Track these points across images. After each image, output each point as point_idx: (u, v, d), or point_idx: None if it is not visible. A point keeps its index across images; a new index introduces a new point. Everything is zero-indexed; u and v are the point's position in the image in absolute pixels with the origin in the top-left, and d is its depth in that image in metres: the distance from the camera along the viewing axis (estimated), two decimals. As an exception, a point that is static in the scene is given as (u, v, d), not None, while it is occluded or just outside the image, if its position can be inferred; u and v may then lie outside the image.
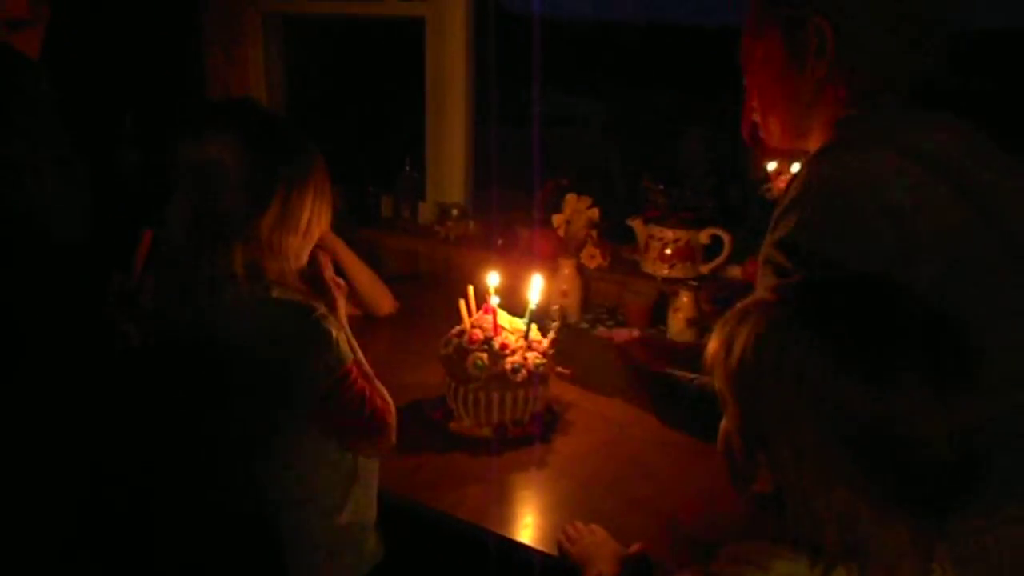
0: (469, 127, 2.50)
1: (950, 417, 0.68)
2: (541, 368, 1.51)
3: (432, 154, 2.52)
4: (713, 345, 0.80)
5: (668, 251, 2.05)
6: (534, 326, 1.55)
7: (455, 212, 2.41)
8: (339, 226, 1.71)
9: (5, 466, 1.48)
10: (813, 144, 1.05)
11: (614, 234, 2.20)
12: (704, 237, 2.07)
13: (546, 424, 1.57)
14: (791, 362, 0.71)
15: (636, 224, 2.10)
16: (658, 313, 2.03)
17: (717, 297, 1.92)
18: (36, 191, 1.41)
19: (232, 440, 1.22)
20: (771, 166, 1.79)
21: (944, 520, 0.73)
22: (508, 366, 1.48)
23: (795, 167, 1.33)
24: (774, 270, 0.93)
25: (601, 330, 2.00)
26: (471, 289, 1.58)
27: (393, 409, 1.26)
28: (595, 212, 2.07)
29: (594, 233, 2.07)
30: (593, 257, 2.08)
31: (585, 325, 2.04)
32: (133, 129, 2.75)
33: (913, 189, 0.88)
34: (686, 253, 2.06)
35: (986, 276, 0.89)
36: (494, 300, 1.54)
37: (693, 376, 1.22)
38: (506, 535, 1.28)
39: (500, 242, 2.33)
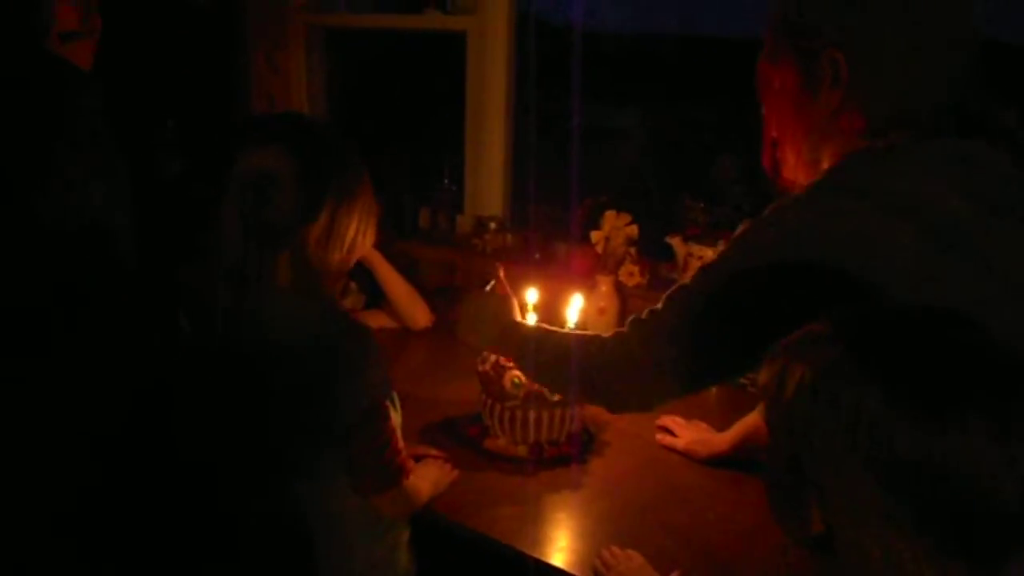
0: (509, 140, 2.49)
1: (1017, 467, 0.65)
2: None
3: (471, 166, 2.52)
4: (764, 379, 0.78)
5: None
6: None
7: (493, 225, 2.40)
8: (376, 237, 1.72)
9: (31, 468, 1.50)
10: None
11: (653, 251, 2.18)
12: (744, 256, 2.03)
13: (583, 445, 1.56)
14: (848, 403, 0.68)
15: (675, 242, 2.07)
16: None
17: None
18: (84, 203, 1.43)
19: (270, 455, 1.22)
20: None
21: (1002, 568, 0.71)
22: (545, 385, 1.47)
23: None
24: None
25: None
26: (515, 301, 1.57)
27: (410, 472, 1.24)
28: (634, 229, 2.05)
29: (633, 250, 2.05)
30: (632, 275, 2.06)
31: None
32: (175, 136, 2.79)
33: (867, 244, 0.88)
34: (726, 272, 2.02)
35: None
36: (531, 318, 1.53)
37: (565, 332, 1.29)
38: (541, 558, 1.26)
39: (538, 256, 2.32)
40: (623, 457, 1.55)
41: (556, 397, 1.48)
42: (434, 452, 1.49)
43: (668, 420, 1.63)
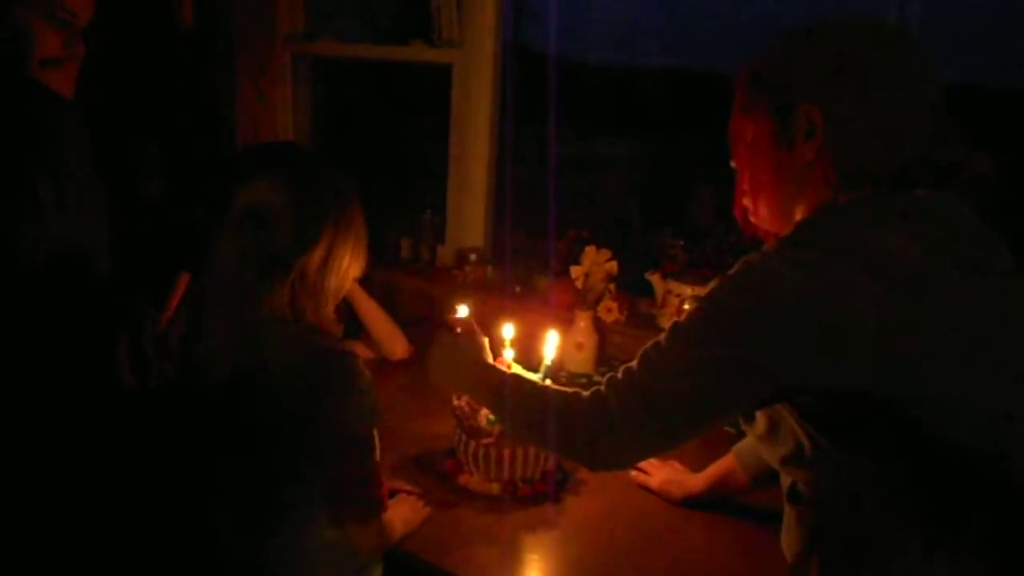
0: (492, 172, 2.50)
1: None
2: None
3: (453, 198, 2.53)
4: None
5: (686, 306, 2.02)
6: (548, 382, 1.53)
7: (473, 257, 2.40)
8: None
9: (16, 500, 1.47)
10: None
11: (633, 286, 2.19)
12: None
13: (557, 483, 1.55)
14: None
15: (654, 279, 2.08)
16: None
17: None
18: (62, 232, 1.42)
19: (254, 482, 1.21)
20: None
21: None
22: (520, 423, 1.46)
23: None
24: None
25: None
26: (486, 341, 1.57)
27: (387, 507, 1.24)
28: (614, 266, 2.06)
29: (612, 287, 2.06)
30: (610, 311, 2.07)
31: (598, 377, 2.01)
32: (157, 160, 2.79)
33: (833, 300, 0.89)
34: (704, 310, 2.03)
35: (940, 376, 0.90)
36: (508, 354, 1.53)
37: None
38: (512, 601, 1.25)
39: (518, 290, 2.32)
40: (598, 496, 1.54)
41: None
42: (407, 488, 1.47)
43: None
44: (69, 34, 1.43)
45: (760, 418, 1.09)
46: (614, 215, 3.01)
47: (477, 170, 2.47)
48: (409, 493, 1.46)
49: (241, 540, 1.24)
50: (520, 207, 2.47)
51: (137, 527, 1.52)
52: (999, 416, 0.90)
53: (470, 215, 2.52)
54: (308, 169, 1.19)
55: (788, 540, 1.12)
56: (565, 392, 1.19)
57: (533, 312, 2.17)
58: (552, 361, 1.53)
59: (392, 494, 1.41)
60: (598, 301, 2.05)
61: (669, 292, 2.06)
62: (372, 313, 2.01)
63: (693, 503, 1.51)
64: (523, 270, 2.35)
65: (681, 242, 2.09)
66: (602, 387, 1.09)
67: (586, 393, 1.12)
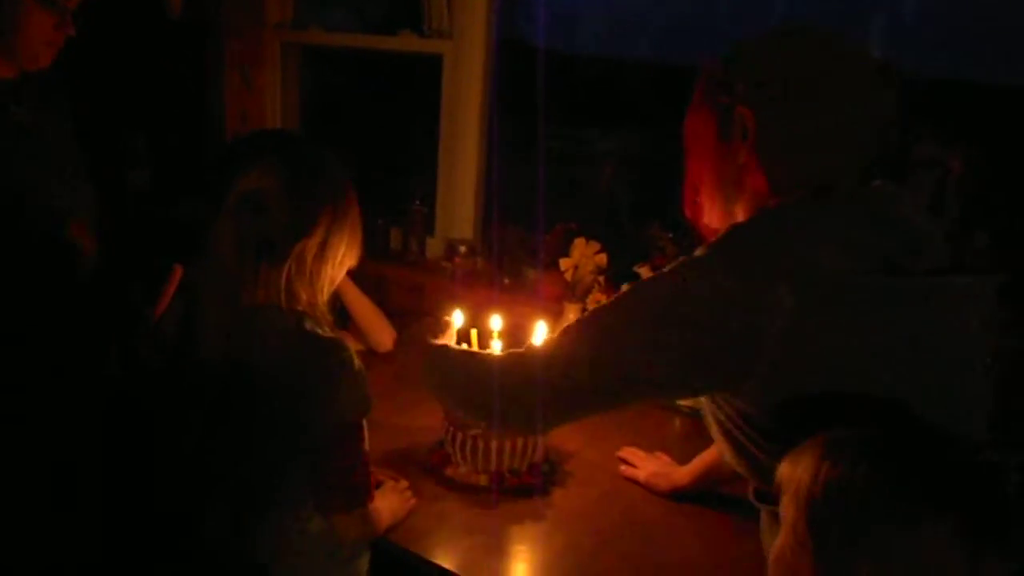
0: (481, 164, 2.49)
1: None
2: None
3: (443, 189, 2.52)
4: (792, 469, 0.84)
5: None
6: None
7: (463, 249, 2.39)
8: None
9: (12, 493, 1.47)
10: None
11: (623, 279, 2.18)
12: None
13: (544, 475, 1.54)
14: (854, 504, 0.78)
15: (643, 271, 2.07)
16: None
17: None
18: (41, 215, 1.41)
19: (240, 473, 1.21)
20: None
21: None
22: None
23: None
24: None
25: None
26: (474, 332, 1.56)
27: (373, 496, 1.24)
28: (603, 258, 2.05)
29: (601, 279, 2.05)
30: (599, 303, 2.06)
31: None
32: (145, 149, 2.76)
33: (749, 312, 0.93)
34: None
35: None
36: (496, 345, 1.52)
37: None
38: (497, 592, 1.25)
39: (507, 282, 2.32)
40: (585, 488, 1.54)
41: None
42: (394, 478, 1.47)
43: (629, 452, 1.63)
44: (61, 17, 1.42)
45: (712, 424, 1.11)
46: (605, 208, 3.01)
47: (467, 162, 2.46)
48: (396, 482, 1.45)
49: (229, 528, 1.24)
50: (511, 199, 2.47)
51: (129, 518, 1.52)
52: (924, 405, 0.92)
53: (460, 207, 2.50)
54: (305, 155, 1.18)
55: (766, 540, 1.12)
56: (479, 353, 1.26)
57: (522, 304, 2.16)
58: (540, 353, 1.52)
59: (378, 485, 1.41)
60: (587, 293, 2.05)
61: (658, 284, 2.05)
62: (360, 304, 2.00)
63: (680, 495, 1.51)
64: (513, 262, 2.34)
65: (670, 235, 2.09)
66: (522, 350, 1.14)
67: (497, 355, 1.18)
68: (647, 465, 1.58)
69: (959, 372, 0.98)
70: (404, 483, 1.46)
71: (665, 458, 1.62)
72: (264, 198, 1.12)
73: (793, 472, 0.85)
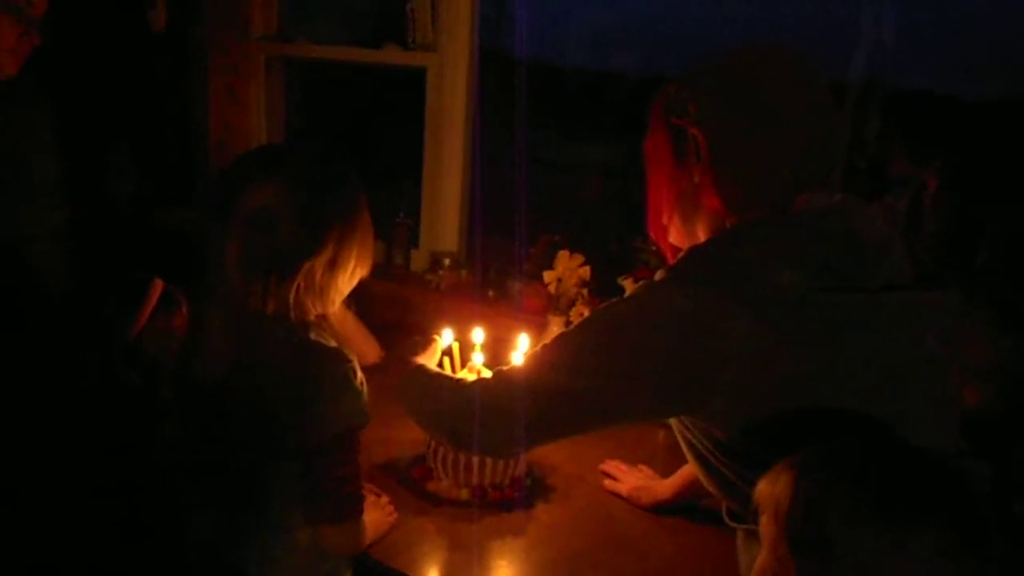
0: (466, 177, 2.50)
1: None
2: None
3: (428, 202, 2.52)
4: (770, 489, 0.85)
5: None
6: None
7: (447, 261, 2.39)
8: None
9: None
10: None
11: (607, 291, 2.18)
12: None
13: (527, 489, 1.54)
14: (835, 520, 0.78)
15: (627, 283, 2.07)
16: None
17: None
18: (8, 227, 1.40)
19: (234, 483, 1.21)
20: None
21: None
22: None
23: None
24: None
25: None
26: (456, 346, 1.56)
27: (363, 511, 1.23)
28: (586, 271, 2.06)
29: (585, 292, 2.06)
30: (583, 316, 2.06)
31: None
32: (129, 160, 2.75)
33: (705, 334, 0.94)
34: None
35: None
36: (478, 358, 1.52)
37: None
38: (478, 608, 1.24)
39: (491, 294, 2.32)
40: (567, 502, 1.54)
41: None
42: (375, 492, 1.46)
43: (611, 465, 1.63)
44: (26, 25, 1.42)
45: (685, 445, 1.12)
46: (591, 220, 3.01)
47: (451, 174, 2.47)
48: (377, 497, 1.44)
49: (218, 538, 1.24)
50: (496, 212, 2.47)
51: (111, 527, 1.50)
52: (890, 420, 0.94)
53: (444, 219, 2.51)
54: (311, 169, 1.17)
55: (742, 559, 1.13)
56: (453, 377, 1.28)
57: (506, 317, 2.16)
58: (522, 366, 1.52)
59: None
60: (571, 306, 2.05)
61: (642, 297, 2.06)
62: (342, 317, 1.99)
63: (663, 509, 1.51)
64: (497, 275, 2.34)
65: (653, 247, 2.09)
66: (489, 378, 1.16)
67: (471, 380, 1.19)
68: (629, 479, 1.58)
69: (918, 386, 0.99)
70: (385, 498, 1.45)
71: (648, 471, 1.62)
72: (273, 216, 1.11)
73: (771, 491, 0.85)
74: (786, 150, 1.01)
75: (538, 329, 2.03)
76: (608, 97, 3.52)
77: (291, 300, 1.14)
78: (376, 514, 1.39)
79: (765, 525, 0.86)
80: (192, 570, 1.28)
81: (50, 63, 1.63)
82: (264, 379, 1.15)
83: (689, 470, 1.47)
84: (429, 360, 1.40)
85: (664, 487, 1.51)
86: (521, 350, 1.53)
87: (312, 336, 1.16)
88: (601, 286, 2.15)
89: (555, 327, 2.03)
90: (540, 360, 1.09)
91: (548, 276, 2.07)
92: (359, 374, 1.18)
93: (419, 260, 2.53)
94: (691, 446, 1.10)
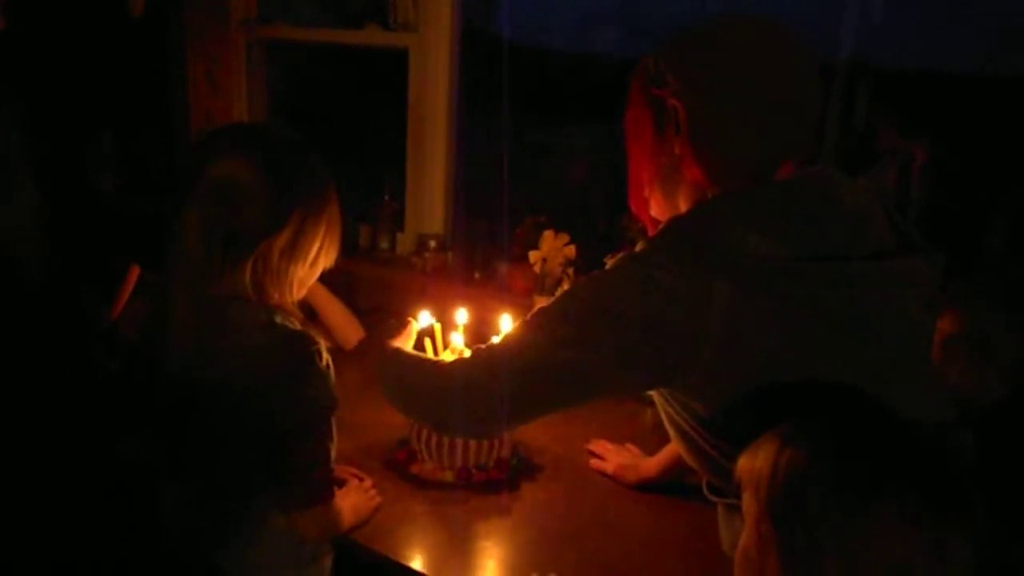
0: (450, 158, 2.47)
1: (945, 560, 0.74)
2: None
3: (412, 184, 2.49)
4: (751, 464, 0.84)
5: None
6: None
7: (433, 244, 2.37)
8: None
9: None
10: None
11: (592, 270, 2.17)
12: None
13: (512, 469, 1.53)
14: (816, 493, 0.77)
15: (612, 262, 2.06)
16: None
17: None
18: None
19: (201, 469, 1.19)
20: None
21: None
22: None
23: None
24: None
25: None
26: (438, 327, 1.54)
27: (333, 494, 1.22)
28: (572, 250, 2.04)
29: (570, 271, 2.04)
30: (568, 294, 2.05)
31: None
32: (110, 150, 2.72)
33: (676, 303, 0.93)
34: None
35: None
36: (458, 338, 1.50)
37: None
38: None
39: (477, 276, 2.30)
40: (553, 482, 1.53)
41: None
42: (358, 476, 1.45)
43: (598, 444, 1.62)
44: None
45: (667, 421, 1.11)
46: (578, 200, 2.99)
47: (435, 156, 2.44)
48: (359, 482, 1.43)
49: (189, 525, 1.23)
50: (481, 193, 2.44)
51: (88, 518, 1.49)
52: (873, 390, 0.92)
53: (429, 201, 2.48)
54: (282, 150, 1.15)
55: (723, 534, 1.12)
56: (431, 359, 1.26)
57: (492, 298, 2.14)
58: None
59: (342, 483, 1.38)
60: (556, 286, 2.03)
61: (628, 276, 2.04)
62: (325, 300, 1.97)
63: (649, 487, 1.49)
64: (483, 256, 2.32)
65: (639, 225, 2.07)
66: (468, 356, 1.14)
67: (449, 360, 1.18)
68: (615, 457, 1.57)
69: (903, 355, 0.98)
70: (368, 482, 1.43)
71: (634, 450, 1.60)
72: (233, 189, 1.09)
73: (752, 465, 0.84)
74: (766, 118, 0.99)
75: (524, 310, 2.00)
76: (593, 78, 3.50)
77: (247, 280, 1.11)
78: (358, 497, 1.37)
79: (747, 501, 0.85)
80: (171, 558, 1.27)
81: (22, 50, 1.60)
82: (227, 363, 1.12)
83: (674, 448, 1.46)
84: (406, 343, 1.37)
85: (649, 465, 1.50)
86: (504, 329, 1.51)
87: (277, 320, 1.14)
88: (588, 266, 2.13)
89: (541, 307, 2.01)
90: (520, 335, 1.07)
91: (533, 256, 2.05)
92: (325, 356, 1.16)
93: (405, 243, 2.50)
94: (673, 421, 1.08)
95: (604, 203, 2.86)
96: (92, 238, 1.81)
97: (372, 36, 2.41)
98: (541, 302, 2.00)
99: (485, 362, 1.10)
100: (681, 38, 1.04)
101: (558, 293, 2.01)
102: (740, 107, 0.99)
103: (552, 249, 2.04)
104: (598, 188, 2.94)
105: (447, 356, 1.51)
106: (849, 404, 0.91)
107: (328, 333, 1.98)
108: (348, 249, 2.48)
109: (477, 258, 2.32)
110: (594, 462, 1.58)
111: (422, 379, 1.20)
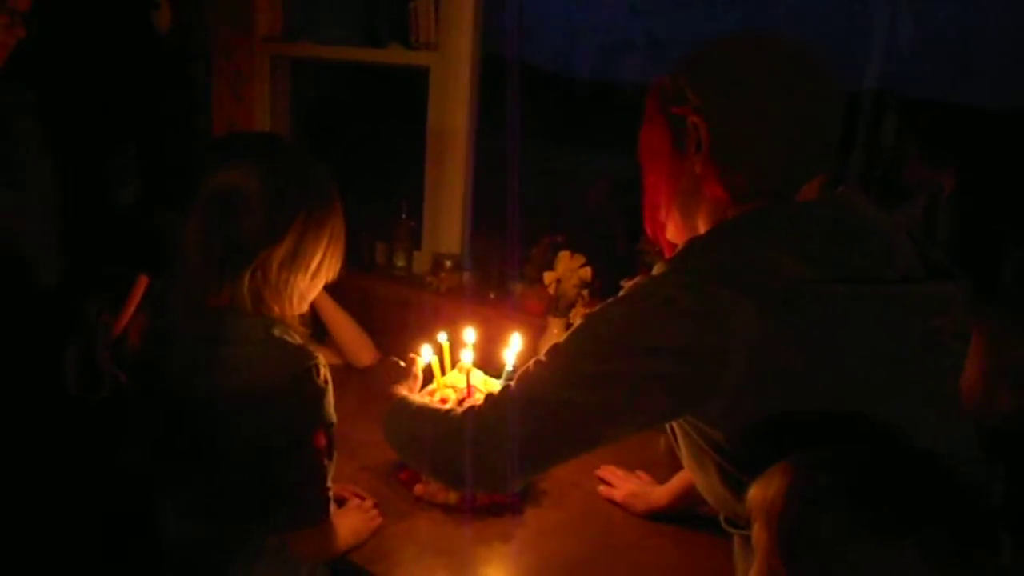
0: (469, 177, 2.46)
1: None
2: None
3: (430, 203, 2.48)
4: (763, 494, 0.80)
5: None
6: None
7: (448, 263, 2.35)
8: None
9: None
10: None
11: (611, 293, 2.13)
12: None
13: (518, 494, 1.48)
14: (831, 530, 0.74)
15: (629, 285, 2.03)
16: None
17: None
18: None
19: (196, 482, 1.17)
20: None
21: None
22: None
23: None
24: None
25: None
26: (446, 346, 1.52)
27: (328, 514, 1.18)
28: (587, 271, 2.01)
29: (585, 293, 2.00)
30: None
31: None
32: (133, 163, 2.74)
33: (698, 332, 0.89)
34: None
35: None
36: (466, 357, 1.47)
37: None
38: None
39: (493, 296, 2.27)
40: (559, 508, 1.48)
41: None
42: (359, 495, 1.41)
43: (607, 471, 1.57)
44: (10, 18, 1.40)
45: (684, 451, 1.06)
46: (598, 224, 2.97)
47: (454, 175, 2.43)
48: (361, 501, 1.40)
49: (190, 545, 1.20)
50: (499, 214, 2.42)
51: (85, 528, 1.47)
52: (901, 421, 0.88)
53: (447, 221, 2.46)
54: (283, 161, 1.14)
55: (739, 566, 1.07)
56: (440, 409, 1.17)
57: (506, 319, 2.11)
58: (514, 367, 1.47)
59: (342, 502, 1.35)
60: (570, 308, 2.00)
61: (645, 300, 2.00)
62: (336, 318, 1.96)
63: (658, 516, 1.45)
64: (498, 276, 2.29)
65: (657, 249, 2.04)
66: (479, 404, 1.07)
67: (460, 410, 1.09)
68: (625, 485, 1.52)
69: (932, 384, 0.93)
70: (369, 502, 1.40)
71: (645, 477, 1.56)
72: (234, 198, 1.08)
73: (764, 495, 0.80)
74: (791, 134, 0.96)
75: (538, 331, 1.98)
76: (616, 105, 3.49)
77: (246, 291, 1.10)
78: (357, 518, 1.34)
79: (757, 532, 0.81)
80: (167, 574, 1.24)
81: (48, 63, 1.61)
82: (221, 375, 1.10)
83: (685, 476, 1.41)
84: (412, 384, 1.33)
85: (660, 493, 1.45)
86: (514, 349, 1.48)
87: (275, 332, 1.11)
88: (604, 288, 2.10)
89: (555, 329, 1.98)
90: (533, 377, 1.02)
91: (548, 277, 2.02)
92: (323, 372, 1.13)
93: (421, 262, 2.49)
94: (688, 449, 1.04)
95: (624, 227, 2.84)
96: (103, 248, 1.82)
97: (394, 55, 2.41)
98: (555, 323, 1.98)
99: (498, 408, 1.04)
100: (700, 54, 1.02)
101: (572, 316, 1.99)
102: (764, 122, 0.96)
103: (567, 270, 2.00)
104: (619, 211, 2.91)
105: (456, 376, 1.49)
106: (871, 436, 0.87)
107: (339, 350, 1.97)
108: (364, 266, 2.49)
109: (492, 278, 2.30)
110: (602, 489, 1.53)
111: (430, 431, 1.13)
